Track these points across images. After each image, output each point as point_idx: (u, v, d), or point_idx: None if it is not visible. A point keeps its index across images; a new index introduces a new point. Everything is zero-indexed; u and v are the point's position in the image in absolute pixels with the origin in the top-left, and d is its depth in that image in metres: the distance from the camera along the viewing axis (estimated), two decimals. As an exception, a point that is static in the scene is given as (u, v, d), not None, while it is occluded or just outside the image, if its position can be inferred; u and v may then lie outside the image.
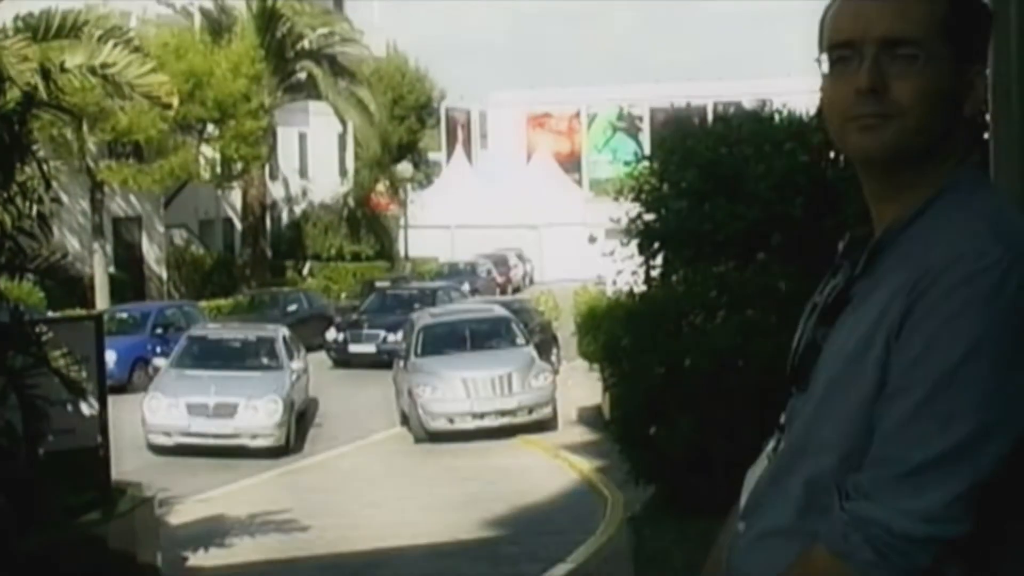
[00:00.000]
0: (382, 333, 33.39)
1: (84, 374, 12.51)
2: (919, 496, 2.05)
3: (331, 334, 34.86)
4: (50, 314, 23.30)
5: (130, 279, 42.11)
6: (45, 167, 11.89)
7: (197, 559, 13.40)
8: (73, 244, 38.01)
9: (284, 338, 25.76)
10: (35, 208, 11.39)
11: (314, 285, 46.88)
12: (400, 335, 28.92)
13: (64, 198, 36.75)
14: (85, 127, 35.87)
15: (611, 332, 13.71)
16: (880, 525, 2.07)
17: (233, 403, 21.33)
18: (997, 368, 2.03)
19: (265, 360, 24.31)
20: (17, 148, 10.87)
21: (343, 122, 50.34)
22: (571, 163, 69.11)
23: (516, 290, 52.31)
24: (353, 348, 33.88)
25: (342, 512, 15.49)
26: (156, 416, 22.20)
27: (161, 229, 45.11)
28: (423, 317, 26.14)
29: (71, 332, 13.00)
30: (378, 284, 43.56)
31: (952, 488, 2.04)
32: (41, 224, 11.51)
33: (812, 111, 11.63)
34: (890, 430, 2.09)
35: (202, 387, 22.28)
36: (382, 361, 31.12)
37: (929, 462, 2.05)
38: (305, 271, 50.79)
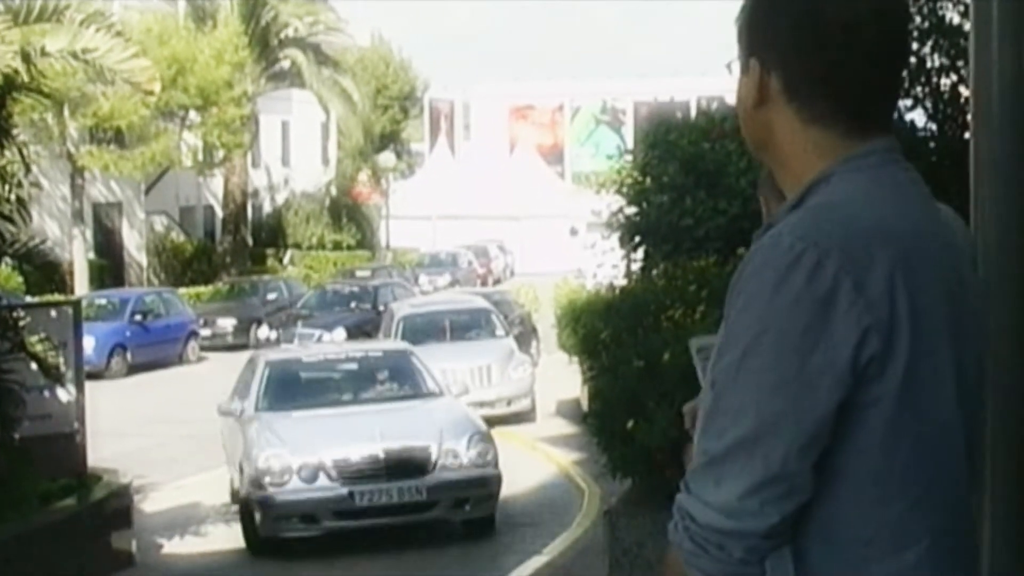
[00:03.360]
0: (317, 332, 30.31)
1: (62, 360, 12.50)
2: (719, 488, 2.06)
3: (263, 332, 32.25)
4: (28, 299, 23.22)
5: (110, 265, 42.04)
6: (25, 151, 11.86)
7: (172, 546, 13.36)
8: (53, 229, 37.89)
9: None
10: (14, 193, 11.38)
11: (295, 274, 46.84)
12: (336, 334, 28.74)
13: (44, 183, 36.66)
14: (67, 112, 35.81)
15: (590, 325, 13.73)
16: (691, 517, 2.09)
17: None
18: (779, 361, 2.03)
19: None
20: (-2, 131, 10.84)
21: (326, 111, 50.26)
22: (554, 155, 69.22)
23: (497, 281, 52.31)
24: (285, 347, 30.07)
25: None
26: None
27: (141, 216, 45.03)
28: (403, 307, 26.03)
29: (49, 318, 12.96)
30: (358, 273, 43.54)
31: (745, 481, 2.04)
32: (20, 209, 11.49)
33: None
34: (701, 423, 2.13)
35: None
36: None
37: (723, 454, 2.05)
38: (286, 260, 50.77)
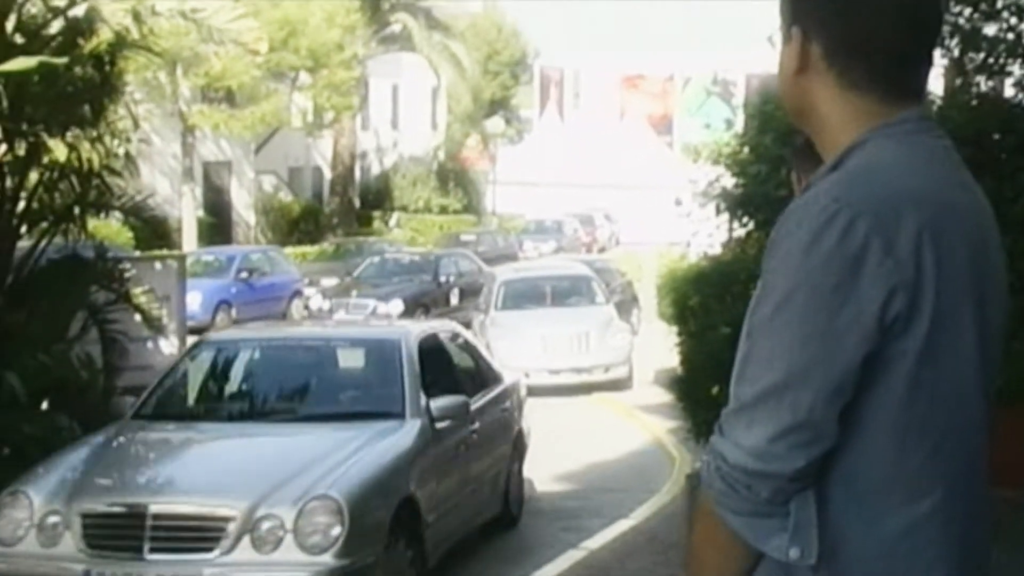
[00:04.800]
0: (372, 303, 28.60)
1: (165, 312, 12.80)
2: (749, 431, 2.18)
3: (315, 301, 30.22)
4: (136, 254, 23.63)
5: (218, 223, 42.58)
6: (135, 109, 12.13)
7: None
8: (163, 187, 38.48)
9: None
10: (123, 148, 11.66)
11: (400, 236, 47.13)
12: (393, 305, 27.85)
13: (156, 141, 37.30)
14: (179, 71, 36.29)
15: (680, 292, 13.74)
16: (723, 457, 2.21)
17: None
18: (809, 315, 2.14)
19: None
20: (107, 88, 11.10)
21: (436, 75, 50.47)
22: (663, 126, 68.85)
23: (602, 250, 52.25)
24: (338, 318, 28.07)
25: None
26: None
27: (251, 175, 45.55)
28: (505, 272, 26.22)
29: (154, 271, 13.28)
30: (463, 238, 43.75)
31: (774, 426, 2.15)
32: (128, 164, 11.78)
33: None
34: (735, 370, 2.23)
35: None
36: None
37: (755, 400, 2.17)
38: (392, 222, 51.12)
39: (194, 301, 28.48)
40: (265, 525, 7.85)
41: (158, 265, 13.65)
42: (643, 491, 13.18)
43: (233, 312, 29.89)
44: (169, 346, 13.09)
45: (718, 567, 2.35)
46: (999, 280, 2.37)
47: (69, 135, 10.76)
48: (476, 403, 10.64)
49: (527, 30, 68.67)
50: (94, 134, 10.92)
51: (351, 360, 10.69)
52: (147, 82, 34.54)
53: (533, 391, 21.00)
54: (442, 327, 12.57)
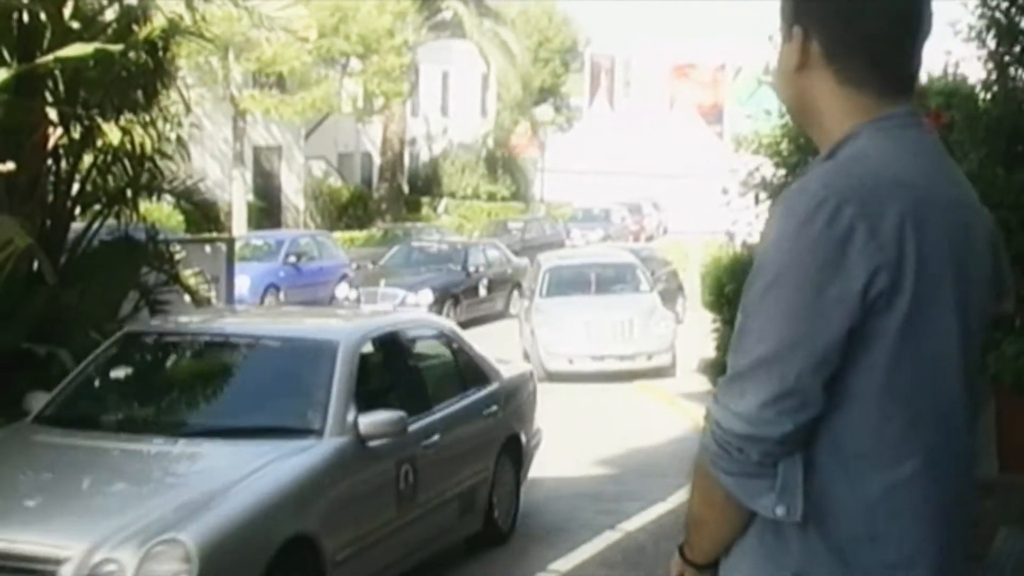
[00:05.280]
0: (401, 293, 27.69)
1: (213, 293, 13.05)
2: (742, 399, 2.36)
3: (342, 291, 29.29)
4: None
5: (268, 208, 42.86)
6: (186, 93, 12.37)
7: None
8: (214, 171, 38.80)
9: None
10: (175, 132, 11.91)
11: (448, 223, 47.31)
12: (422, 296, 27.17)
13: (208, 125, 37.64)
14: (231, 56, 36.58)
15: (718, 280, 13.88)
16: (718, 423, 2.41)
17: None
18: (798, 292, 2.33)
19: None
20: (160, 73, 11.34)
21: (487, 63, 50.63)
22: (713, 115, 68.68)
23: (650, 238, 52.32)
24: (365, 309, 26.42)
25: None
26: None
27: (301, 160, 45.81)
28: (550, 259, 26.35)
29: (203, 253, 13.55)
30: (510, 225, 43.90)
31: (764, 393, 2.34)
32: (179, 148, 12.02)
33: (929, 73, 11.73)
34: (732, 341, 2.42)
35: None
36: None
37: (747, 369, 2.36)
38: (440, 208, 51.31)
39: (243, 285, 28.74)
40: (104, 571, 6.50)
41: (208, 248, 13.92)
42: (681, 476, 13.32)
43: (281, 296, 30.12)
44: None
45: (714, 523, 2.57)
46: (982, 264, 2.55)
47: (122, 119, 11.01)
48: (443, 411, 9.43)
49: (578, 18, 68.84)
50: (146, 118, 11.17)
51: (278, 363, 9.10)
52: (199, 67, 34.90)
53: (576, 377, 21.31)
54: (415, 322, 11.21)
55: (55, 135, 10.64)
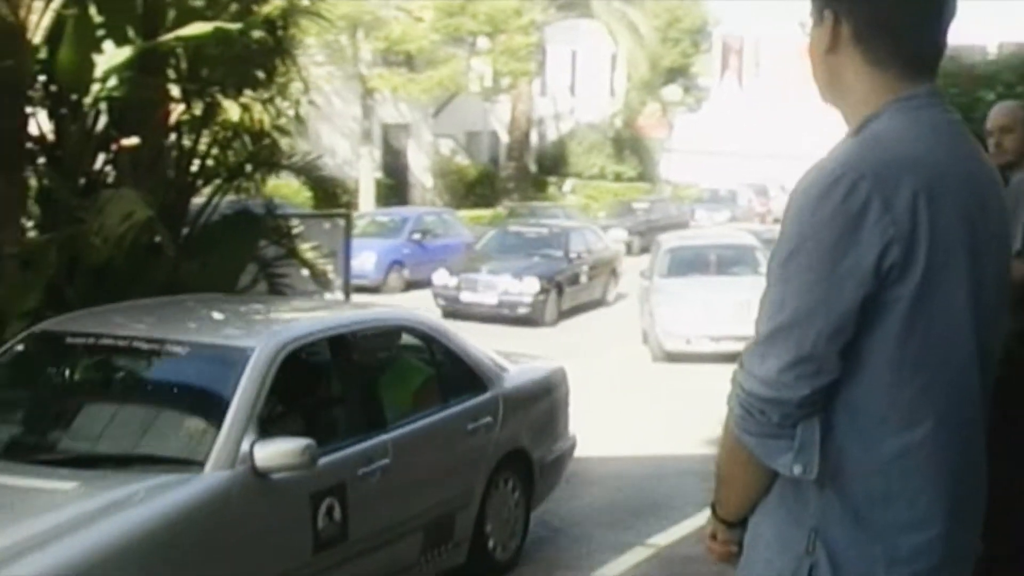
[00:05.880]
0: (504, 281, 26.25)
1: (331, 268, 13.27)
2: (763, 363, 2.52)
3: (440, 277, 27.28)
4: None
5: (395, 185, 43.31)
6: (315, 71, 12.57)
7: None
8: (343, 148, 39.30)
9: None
10: (294, 109, 12.15)
11: (574, 203, 47.41)
12: (527, 284, 25.95)
13: (337, 103, 38.12)
14: (360, 35, 37.00)
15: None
16: (741, 386, 2.57)
17: None
18: (814, 263, 2.47)
19: None
20: (280, 51, 11.57)
21: (615, 42, 50.59)
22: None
23: (776, 220, 51.81)
24: (466, 297, 26.46)
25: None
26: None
27: (429, 138, 46.19)
28: (670, 239, 26.37)
29: (322, 228, 13.78)
30: (634, 206, 43.88)
31: (783, 359, 2.49)
32: (298, 124, 12.27)
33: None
34: (757, 310, 2.56)
35: None
36: (502, 316, 25.55)
37: (768, 335, 2.52)
38: (566, 188, 51.42)
39: (368, 261, 29.20)
40: None
41: (326, 223, 14.14)
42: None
43: (406, 272, 30.49)
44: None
45: (740, 481, 2.75)
46: (998, 238, 2.67)
47: (242, 96, 11.26)
48: (402, 429, 7.87)
49: (707, -2, 68.13)
50: (266, 95, 11.41)
51: (179, 374, 7.51)
52: (329, 45, 35.39)
53: (694, 357, 21.33)
54: (381, 321, 9.13)
55: (177, 111, 10.91)
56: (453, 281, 26.79)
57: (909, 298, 2.48)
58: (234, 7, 11.09)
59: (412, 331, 8.96)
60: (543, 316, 25.63)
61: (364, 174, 39.62)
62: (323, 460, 6.83)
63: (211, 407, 6.83)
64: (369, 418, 7.75)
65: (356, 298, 24.43)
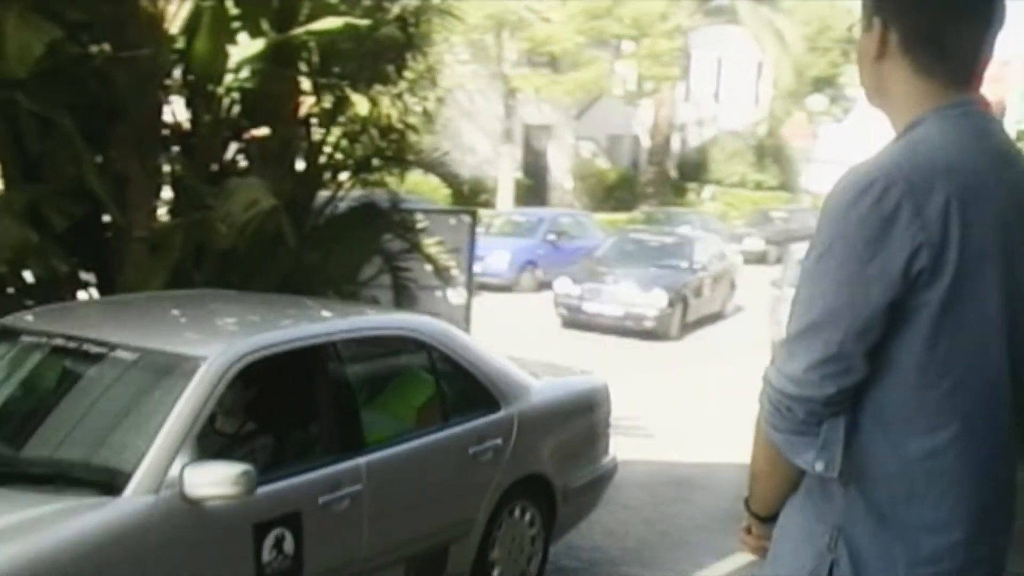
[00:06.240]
0: (631, 293, 24.74)
1: (455, 264, 13.41)
2: (791, 361, 2.59)
3: (562, 285, 25.71)
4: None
5: (534, 185, 43.46)
6: (448, 69, 12.73)
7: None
8: (484, 147, 39.56)
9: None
10: (423, 105, 12.31)
11: (712, 209, 47.17)
12: (655, 297, 24.55)
13: (480, 101, 38.39)
14: (505, 35, 37.22)
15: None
16: (770, 383, 2.63)
17: None
18: (844, 265, 2.52)
19: None
20: (411, 47, 11.74)
21: (761, 50, 50.25)
22: (997, 111, 66.42)
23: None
24: (589, 307, 25.01)
25: (687, 423, 15.96)
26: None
27: (570, 140, 46.28)
28: (801, 250, 26.03)
29: (447, 225, 13.93)
30: (772, 215, 43.54)
31: (810, 357, 2.55)
32: (426, 121, 12.43)
33: None
34: (789, 310, 2.62)
35: None
36: (626, 328, 24.26)
37: (797, 335, 2.58)
38: (705, 195, 51.19)
39: (502, 260, 29.43)
40: None
41: (452, 219, 14.28)
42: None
43: (539, 273, 30.59)
44: (457, 297, 13.74)
45: (769, 477, 2.83)
46: None
47: (371, 91, 11.44)
48: (381, 452, 7.01)
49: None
50: (395, 91, 11.59)
51: (123, 383, 6.58)
52: (474, 44, 35.68)
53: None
54: (376, 328, 7.92)
55: (307, 104, 11.11)
56: (576, 290, 25.32)
57: (938, 303, 2.53)
58: (367, 2, 11.27)
59: (411, 341, 7.80)
60: (669, 330, 24.74)
61: (504, 174, 39.84)
62: (274, 486, 6.22)
63: (144, 423, 6.05)
64: (342, 439, 6.85)
65: (486, 297, 24.71)
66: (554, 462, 8.32)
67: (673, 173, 50.28)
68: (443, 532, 7.56)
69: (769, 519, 2.90)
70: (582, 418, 8.93)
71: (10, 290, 10.14)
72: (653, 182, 48.04)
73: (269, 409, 7.13)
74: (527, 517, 8.18)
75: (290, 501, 6.37)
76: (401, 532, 7.16)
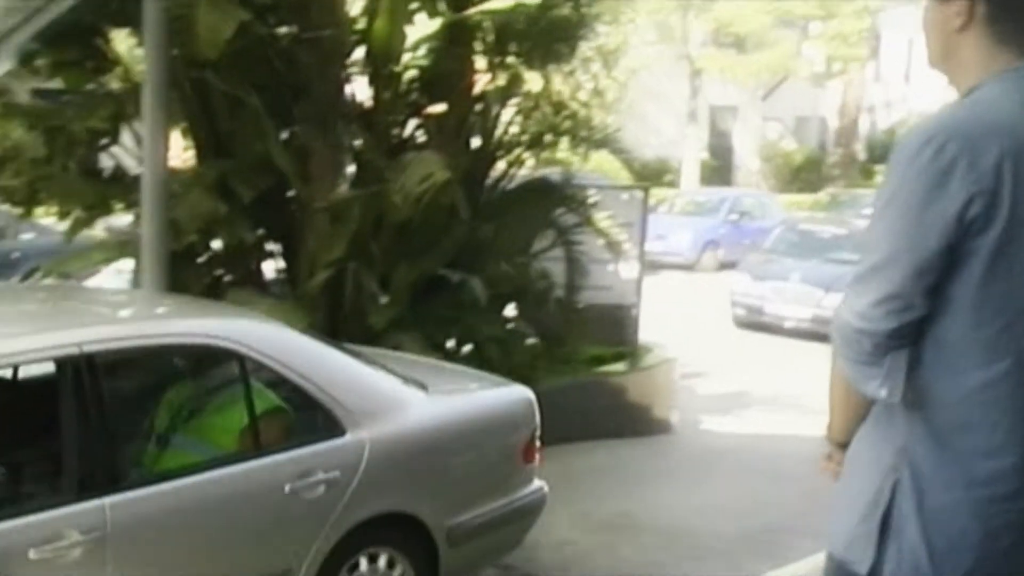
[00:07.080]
0: (819, 292, 20.60)
1: (627, 239, 13.67)
2: (859, 298, 2.89)
3: (740, 282, 22.58)
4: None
5: (720, 166, 43.37)
6: (632, 49, 12.95)
7: (709, 424, 14.22)
8: (669, 127, 39.61)
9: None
10: (594, 83, 12.60)
11: (896, 192, 46.27)
12: (833, 298, 18.75)
13: (665, 82, 38.43)
14: (691, 15, 37.22)
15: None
16: (840, 318, 2.94)
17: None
18: (905, 211, 2.81)
19: None
20: (584, 26, 12.03)
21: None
22: None
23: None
24: (772, 308, 21.59)
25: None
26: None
27: (756, 121, 46.04)
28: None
29: (619, 200, 14.22)
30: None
31: (874, 294, 2.84)
32: (599, 99, 12.72)
33: None
34: (859, 251, 2.92)
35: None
36: (815, 333, 19.04)
37: (864, 274, 2.88)
38: (891, 177, 50.35)
39: (683, 239, 29.54)
40: None
41: (624, 195, 14.55)
42: None
43: (720, 253, 30.52)
44: (628, 271, 14.02)
45: (843, 404, 3.15)
46: None
47: (545, 70, 11.76)
48: (156, 486, 5.52)
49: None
50: (567, 69, 11.91)
51: None
52: (660, 25, 35.77)
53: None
54: (171, 336, 5.97)
55: (482, 82, 11.47)
56: (756, 288, 21.99)
57: (990, 248, 2.81)
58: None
59: (218, 351, 5.98)
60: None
61: (689, 154, 39.87)
62: None
63: None
64: (82, 476, 5.24)
65: (668, 275, 24.47)
66: (432, 497, 6.57)
67: (861, 155, 49.60)
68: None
69: (846, 445, 3.20)
70: (489, 440, 7.07)
71: (201, 259, 10.73)
72: (840, 164, 47.50)
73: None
74: (388, 567, 6.38)
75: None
76: None
